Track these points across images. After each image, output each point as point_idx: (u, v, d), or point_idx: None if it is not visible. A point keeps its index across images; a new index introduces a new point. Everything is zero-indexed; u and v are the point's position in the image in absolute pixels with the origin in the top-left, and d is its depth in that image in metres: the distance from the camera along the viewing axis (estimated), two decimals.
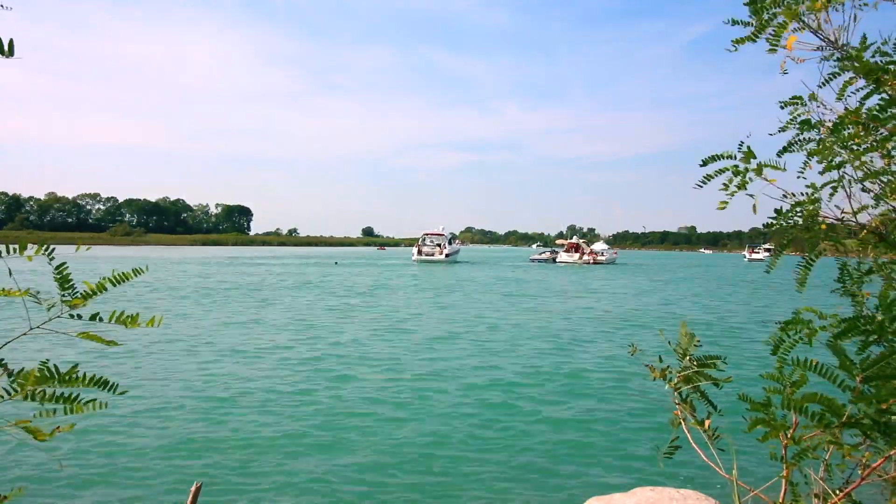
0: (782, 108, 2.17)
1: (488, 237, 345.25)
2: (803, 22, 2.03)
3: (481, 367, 12.39)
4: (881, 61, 1.92)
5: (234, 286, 32.59)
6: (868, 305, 2.20)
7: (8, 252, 1.56)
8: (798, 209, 2.05)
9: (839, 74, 2.06)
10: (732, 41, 2.13)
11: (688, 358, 2.16)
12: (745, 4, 2.05)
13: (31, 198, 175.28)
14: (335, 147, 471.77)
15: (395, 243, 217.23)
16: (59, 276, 1.60)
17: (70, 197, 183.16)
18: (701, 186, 2.18)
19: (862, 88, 2.01)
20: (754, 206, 2.06)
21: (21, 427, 1.58)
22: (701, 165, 2.15)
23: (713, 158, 2.13)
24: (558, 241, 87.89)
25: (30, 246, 1.61)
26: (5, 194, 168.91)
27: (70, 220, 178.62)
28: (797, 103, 2.14)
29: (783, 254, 2.22)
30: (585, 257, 71.41)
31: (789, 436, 1.84)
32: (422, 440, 7.92)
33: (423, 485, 6.55)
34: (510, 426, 8.56)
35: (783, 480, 2.00)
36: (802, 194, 2.07)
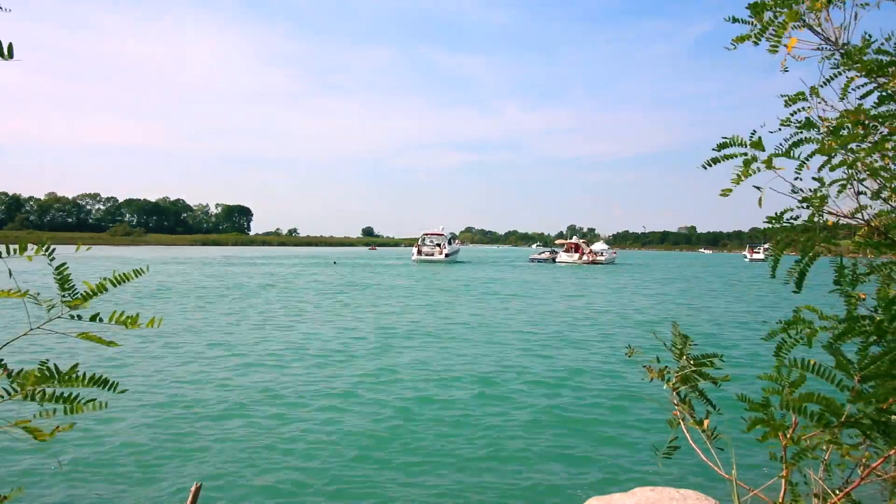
0: (786, 104, 2.17)
1: (488, 237, 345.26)
2: (804, 21, 2.03)
3: (479, 367, 12.39)
4: (882, 60, 1.92)
5: (238, 286, 32.59)
6: (867, 305, 2.20)
7: (8, 253, 1.56)
8: (805, 205, 2.06)
9: (840, 73, 2.06)
10: (733, 40, 2.13)
11: (685, 357, 2.16)
12: (746, 8, 2.05)
13: (31, 198, 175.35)
14: (335, 147, 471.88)
15: (395, 243, 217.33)
16: (59, 277, 1.60)
17: (70, 197, 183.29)
18: (706, 167, 2.18)
19: (862, 86, 2.01)
20: (760, 199, 2.06)
21: (21, 427, 1.58)
22: (715, 150, 2.15)
23: (725, 144, 2.13)
24: (557, 241, 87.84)
25: (30, 246, 1.61)
26: (5, 194, 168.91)
27: (70, 220, 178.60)
28: (800, 99, 2.13)
29: (783, 254, 2.22)
30: (585, 257, 71.42)
31: (788, 436, 1.84)
32: (420, 440, 7.92)
33: (423, 485, 6.55)
34: (509, 427, 8.56)
35: (783, 480, 2.00)
36: (810, 190, 2.07)
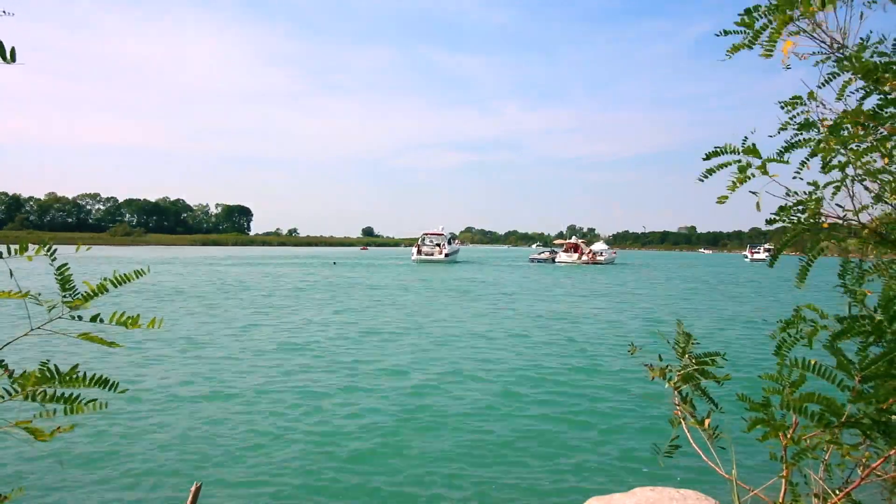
0: (782, 108, 2.17)
1: (488, 237, 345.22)
2: (798, 26, 2.03)
3: (478, 367, 12.39)
4: (880, 61, 1.92)
5: (247, 288, 32.59)
6: (867, 305, 2.20)
7: (9, 253, 1.56)
8: (800, 207, 2.06)
9: (838, 75, 2.06)
10: (728, 51, 2.13)
11: (687, 356, 2.16)
12: (739, 15, 2.05)
13: (31, 198, 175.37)
14: (335, 147, 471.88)
15: (395, 243, 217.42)
16: (60, 277, 1.60)
17: (70, 197, 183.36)
18: (702, 180, 2.18)
19: (861, 88, 2.01)
20: (758, 203, 2.06)
21: (22, 427, 1.58)
22: (704, 159, 2.15)
23: (717, 153, 2.13)
24: (556, 241, 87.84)
25: (30, 246, 1.61)
26: (5, 194, 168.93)
27: (70, 220, 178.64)
28: (797, 103, 2.14)
29: (783, 253, 2.22)
30: (584, 257, 71.42)
31: (789, 436, 1.84)
32: (420, 441, 7.92)
33: (422, 485, 6.55)
34: (509, 426, 8.56)
35: (783, 480, 2.00)
36: (805, 193, 2.07)
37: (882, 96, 1.92)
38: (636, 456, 7.47)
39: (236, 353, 13.41)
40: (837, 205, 2.09)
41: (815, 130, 2.08)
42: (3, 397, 1.56)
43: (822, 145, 2.05)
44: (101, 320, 1.61)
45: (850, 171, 2.06)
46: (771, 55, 1.98)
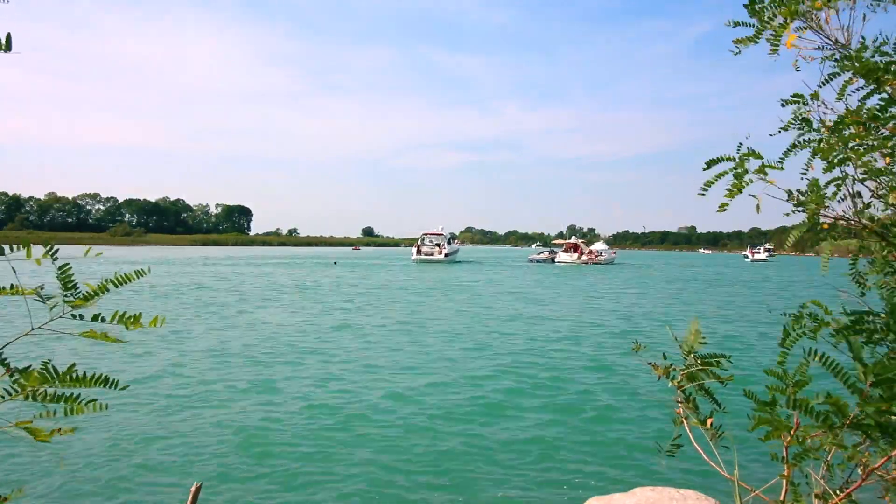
0: (783, 105, 2.17)
1: (488, 237, 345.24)
2: (804, 22, 2.03)
3: (478, 367, 12.39)
4: (881, 61, 1.92)
5: (256, 288, 32.60)
6: (867, 303, 2.20)
7: (11, 250, 1.56)
8: (800, 208, 2.05)
9: (839, 74, 2.06)
10: (734, 41, 2.13)
11: (692, 356, 2.16)
12: (744, 6, 2.05)
13: (31, 198, 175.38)
14: (335, 147, 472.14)
15: (395, 243, 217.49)
16: (62, 277, 1.60)
17: (70, 197, 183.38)
18: (703, 193, 2.18)
19: (862, 88, 2.01)
20: (758, 206, 2.06)
21: (22, 427, 1.58)
22: (705, 168, 2.14)
23: (715, 161, 2.13)
24: (556, 241, 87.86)
25: (36, 249, 1.61)
26: (5, 194, 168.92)
27: (70, 220, 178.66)
28: (798, 102, 2.14)
29: (783, 254, 2.22)
30: (584, 257, 71.43)
31: (791, 435, 1.84)
32: (419, 441, 7.92)
33: (422, 485, 6.55)
34: (509, 426, 8.56)
35: (784, 480, 2.00)
36: (806, 192, 2.07)
37: (883, 96, 1.92)
38: (636, 456, 7.47)
39: (236, 353, 13.40)
40: (839, 202, 2.09)
41: (817, 131, 2.08)
42: (2, 397, 1.56)
43: (822, 144, 2.04)
44: (103, 319, 1.61)
45: (850, 171, 2.06)
46: (776, 50, 1.98)
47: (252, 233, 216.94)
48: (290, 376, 11.30)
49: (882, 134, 2.00)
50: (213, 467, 6.87)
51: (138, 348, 13.35)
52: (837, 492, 2.06)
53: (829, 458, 2.06)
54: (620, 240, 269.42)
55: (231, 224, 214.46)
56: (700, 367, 2.14)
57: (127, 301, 23.05)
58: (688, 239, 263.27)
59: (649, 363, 2.25)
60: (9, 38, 1.53)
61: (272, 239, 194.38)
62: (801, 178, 2.10)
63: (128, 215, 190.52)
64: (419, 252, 68.95)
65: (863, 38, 2.01)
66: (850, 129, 1.98)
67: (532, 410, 9.36)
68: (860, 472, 1.99)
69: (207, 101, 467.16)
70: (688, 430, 2.20)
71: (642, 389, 10.52)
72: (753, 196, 2.06)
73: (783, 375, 1.87)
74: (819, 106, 2.12)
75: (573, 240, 79.35)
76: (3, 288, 1.63)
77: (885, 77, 1.86)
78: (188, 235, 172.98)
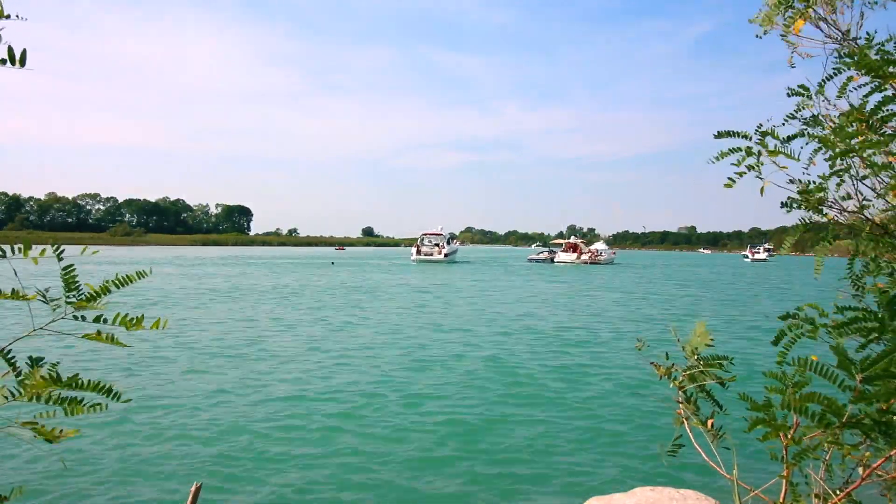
0: (789, 95, 2.17)
1: (488, 237, 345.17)
2: (816, 13, 2.03)
3: (479, 368, 12.40)
4: (885, 58, 1.92)
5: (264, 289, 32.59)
6: (866, 302, 2.20)
7: (13, 252, 1.56)
8: (804, 197, 2.05)
9: (842, 70, 2.05)
10: (750, 20, 2.13)
11: (695, 357, 2.17)
12: None
13: (31, 198, 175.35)
14: (335, 147, 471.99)
15: (395, 243, 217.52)
16: (66, 278, 1.60)
17: (70, 197, 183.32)
18: (714, 162, 2.18)
19: (865, 85, 2.01)
20: (762, 188, 2.05)
21: (29, 427, 1.59)
22: (716, 137, 2.14)
23: (728, 133, 2.12)
24: (555, 241, 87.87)
25: (36, 247, 1.62)
26: (5, 194, 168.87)
27: (70, 220, 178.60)
28: (804, 94, 2.14)
29: (784, 254, 2.23)
30: (584, 257, 71.47)
31: (790, 436, 1.85)
32: (419, 441, 7.93)
33: (422, 485, 6.56)
34: (509, 426, 8.56)
35: (783, 480, 2.01)
36: (812, 182, 2.07)
37: (887, 94, 1.92)
38: (636, 456, 7.48)
39: (235, 353, 13.41)
40: (842, 197, 2.09)
41: (821, 127, 2.08)
42: (6, 398, 1.56)
43: (825, 141, 2.04)
44: (105, 320, 1.62)
45: (852, 169, 2.06)
46: (787, 33, 1.97)
47: (252, 233, 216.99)
48: (290, 376, 11.30)
49: (884, 132, 2.00)
50: (213, 467, 6.87)
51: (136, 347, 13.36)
52: (837, 491, 2.06)
53: (828, 458, 2.07)
54: (620, 240, 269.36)
55: (231, 224, 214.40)
56: (702, 369, 2.14)
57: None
58: (688, 239, 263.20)
59: (651, 363, 2.26)
60: (24, 54, 1.53)
61: (272, 239, 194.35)
62: (804, 174, 2.10)
63: (128, 215, 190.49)
64: (419, 252, 69.00)
65: (868, 34, 2.01)
66: (853, 126, 1.98)
67: (532, 410, 9.36)
68: (860, 472, 1.99)
69: (207, 101, 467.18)
70: (688, 431, 2.20)
71: (643, 389, 10.52)
72: (760, 178, 2.06)
73: (782, 377, 1.88)
74: (823, 100, 2.12)
75: (572, 240, 79.37)
76: (4, 292, 1.63)
77: (889, 72, 1.86)
78: (188, 235, 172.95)
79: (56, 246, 1.58)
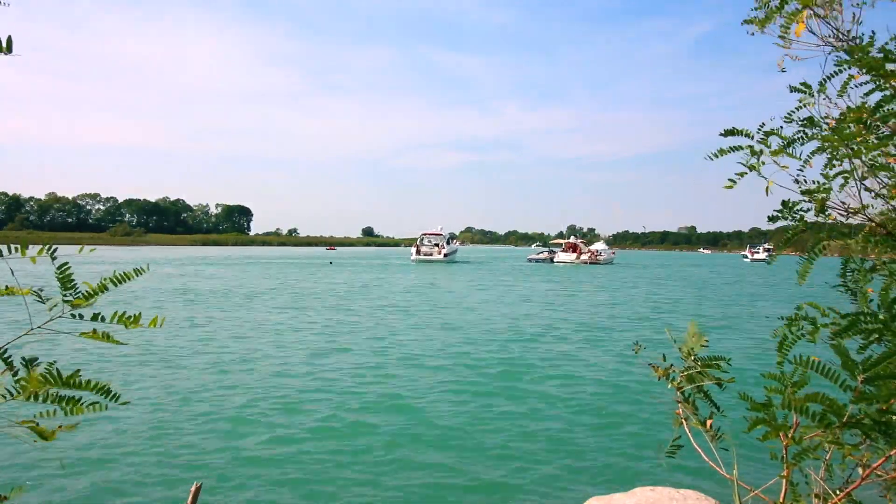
0: (791, 92, 2.16)
1: (488, 237, 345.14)
2: (814, 12, 2.03)
3: (479, 368, 12.39)
4: (888, 56, 1.91)
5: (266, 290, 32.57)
6: (870, 304, 2.19)
7: (10, 251, 1.56)
8: (806, 199, 2.05)
9: (842, 70, 2.05)
10: (744, 21, 2.12)
11: (692, 358, 2.16)
12: None
13: (31, 198, 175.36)
14: (335, 147, 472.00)
15: (395, 243, 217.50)
16: (61, 276, 1.60)
17: (70, 197, 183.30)
18: (713, 158, 2.17)
19: (865, 84, 2.00)
20: (767, 188, 2.05)
21: (27, 426, 1.58)
22: (721, 135, 2.14)
23: (733, 132, 2.12)
24: (554, 241, 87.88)
25: (32, 247, 1.61)
26: (5, 194, 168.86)
27: (70, 220, 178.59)
28: (805, 92, 2.13)
29: (784, 253, 2.22)
30: (583, 257, 71.48)
31: (790, 436, 1.84)
32: (420, 441, 7.92)
33: (422, 485, 6.55)
34: (509, 426, 8.56)
35: (783, 480, 2.00)
36: (814, 182, 2.07)
37: (886, 94, 1.91)
38: (636, 456, 7.47)
39: (235, 353, 13.41)
40: (842, 202, 2.09)
41: (820, 128, 2.07)
42: (4, 397, 1.56)
43: (825, 142, 2.04)
44: (103, 319, 1.61)
45: (853, 168, 2.05)
46: (785, 37, 1.97)
47: (252, 233, 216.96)
48: (289, 376, 11.29)
49: (884, 133, 2.00)
50: (213, 467, 6.87)
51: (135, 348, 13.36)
52: (837, 491, 2.06)
53: (828, 458, 2.06)
54: (620, 240, 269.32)
55: (231, 224, 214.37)
56: (699, 370, 2.13)
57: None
58: (688, 239, 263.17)
59: (649, 364, 2.25)
60: (9, 40, 1.53)
61: (272, 239, 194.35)
62: (800, 172, 2.09)
63: (128, 215, 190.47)
64: (418, 252, 69.02)
65: (872, 31, 2.01)
66: (850, 127, 1.97)
67: (531, 410, 9.35)
68: (860, 472, 1.99)
69: (207, 101, 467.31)
70: (687, 431, 2.20)
71: (642, 390, 10.52)
72: (764, 177, 2.05)
73: (781, 377, 1.87)
74: (824, 99, 2.11)
75: (572, 240, 79.37)
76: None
77: (890, 71, 1.85)
78: (188, 235, 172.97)
79: (49, 247, 1.57)
